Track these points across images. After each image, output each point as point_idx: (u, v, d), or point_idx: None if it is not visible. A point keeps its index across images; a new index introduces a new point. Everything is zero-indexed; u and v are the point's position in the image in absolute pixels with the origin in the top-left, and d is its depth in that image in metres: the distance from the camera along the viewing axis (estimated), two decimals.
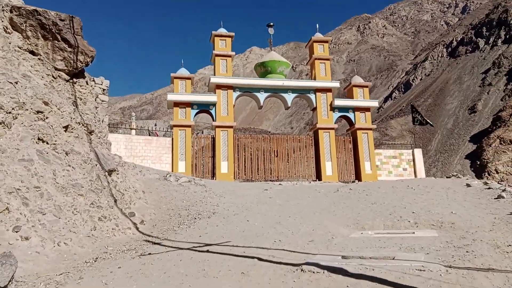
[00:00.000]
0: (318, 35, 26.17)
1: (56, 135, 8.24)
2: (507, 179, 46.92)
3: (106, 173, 9.18)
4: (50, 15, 8.95)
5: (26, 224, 6.49)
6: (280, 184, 17.22)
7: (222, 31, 24.52)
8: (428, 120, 27.19)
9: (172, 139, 22.04)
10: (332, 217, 9.12)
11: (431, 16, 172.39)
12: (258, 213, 9.84)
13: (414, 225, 7.90)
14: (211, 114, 23.40)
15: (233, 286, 4.78)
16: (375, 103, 26.34)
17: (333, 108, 24.60)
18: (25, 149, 7.45)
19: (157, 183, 12.43)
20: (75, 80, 9.94)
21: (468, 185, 12.04)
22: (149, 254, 6.48)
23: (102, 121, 11.15)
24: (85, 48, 9.65)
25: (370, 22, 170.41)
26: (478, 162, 53.25)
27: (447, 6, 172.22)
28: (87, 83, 10.42)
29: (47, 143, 7.97)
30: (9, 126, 7.40)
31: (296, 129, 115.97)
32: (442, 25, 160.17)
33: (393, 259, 5.25)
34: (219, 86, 23.33)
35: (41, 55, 9.14)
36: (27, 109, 7.86)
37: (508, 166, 50.80)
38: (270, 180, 22.18)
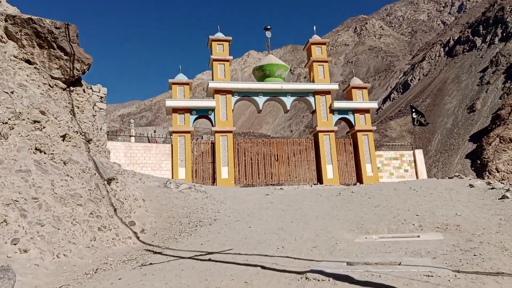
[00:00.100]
0: (316, 37, 26.12)
1: (53, 145, 8.14)
2: (508, 178, 46.81)
3: (105, 182, 9.07)
4: (45, 23, 8.87)
5: (24, 236, 6.38)
6: (281, 188, 17.10)
7: (220, 35, 24.46)
8: (424, 118, 27.11)
9: (172, 145, 21.93)
10: (335, 221, 9.00)
11: (428, 16, 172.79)
12: (260, 219, 9.72)
13: (419, 228, 7.78)
14: (210, 120, 23.30)
15: None
16: (374, 105, 26.23)
17: (332, 111, 24.51)
18: (22, 160, 7.35)
19: (157, 190, 12.32)
20: (72, 88, 9.85)
21: (471, 186, 11.92)
22: (150, 264, 6.36)
23: (100, 129, 11.05)
24: (81, 56, 9.56)
25: (366, 23, 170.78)
26: (479, 161, 53.11)
27: (443, 5, 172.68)
28: (84, 91, 10.33)
29: (45, 153, 7.87)
30: (5, 136, 7.30)
31: (296, 132, 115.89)
32: (438, 24, 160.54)
33: (400, 264, 5.13)
34: (218, 91, 23.25)
35: (37, 64, 9.05)
36: (23, 119, 7.76)
37: (508, 164, 50.65)
38: (271, 185, 22.04)
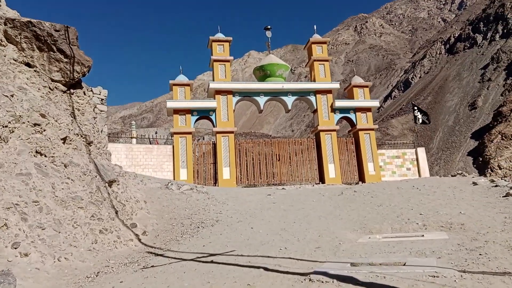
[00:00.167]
0: (316, 37, 26.04)
1: (54, 148, 8.10)
2: (510, 175, 46.62)
3: (106, 184, 9.02)
4: (45, 26, 8.83)
5: (25, 240, 6.34)
6: (283, 188, 17.04)
7: (220, 36, 24.41)
8: (427, 115, 27.00)
9: (173, 146, 21.89)
10: (338, 221, 8.93)
11: (428, 14, 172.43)
12: (262, 219, 9.67)
13: (423, 227, 7.71)
14: (211, 120, 23.25)
15: None
16: (376, 103, 26.14)
17: (334, 110, 24.43)
18: (23, 163, 7.31)
19: (158, 192, 12.27)
20: (72, 91, 9.81)
21: (474, 184, 11.84)
22: (152, 266, 6.31)
23: (101, 131, 11.01)
24: (81, 58, 9.52)
25: (367, 22, 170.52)
26: (481, 159, 52.93)
27: (444, 2, 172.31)
28: (84, 94, 10.29)
29: (45, 156, 7.83)
30: (5, 140, 7.26)
31: (297, 132, 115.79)
32: (439, 22, 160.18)
33: (404, 265, 5.07)
34: (219, 92, 23.20)
35: (37, 67, 9.01)
36: (23, 122, 7.73)
37: (510, 161, 50.45)
38: (273, 185, 21.98)
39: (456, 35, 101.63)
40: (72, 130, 8.83)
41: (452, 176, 16.51)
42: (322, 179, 23.16)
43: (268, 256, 6.22)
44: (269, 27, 27.62)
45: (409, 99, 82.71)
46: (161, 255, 7.10)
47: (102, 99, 13.89)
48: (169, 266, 6.19)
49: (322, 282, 4.63)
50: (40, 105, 8.25)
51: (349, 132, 26.10)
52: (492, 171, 49.33)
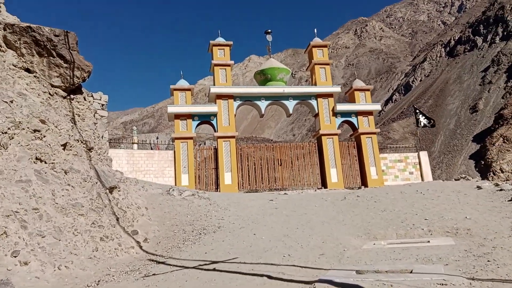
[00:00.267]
0: (317, 40, 26.00)
1: (54, 154, 8.02)
2: None
3: (107, 191, 8.93)
4: (45, 31, 8.78)
5: (25, 248, 6.24)
6: (285, 193, 16.92)
7: (220, 40, 24.38)
8: (431, 119, 26.88)
9: (174, 152, 21.79)
10: (342, 227, 8.82)
11: (428, 16, 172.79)
12: (264, 225, 9.55)
13: (428, 232, 7.59)
14: (212, 125, 23.17)
15: None
16: (377, 107, 26.01)
17: (335, 113, 24.33)
18: (23, 170, 7.23)
19: (160, 198, 12.17)
20: (72, 96, 9.75)
21: (479, 187, 11.72)
22: (154, 274, 6.20)
23: (102, 137, 10.94)
24: (81, 63, 9.47)
25: (367, 25, 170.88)
26: (483, 162, 52.74)
27: (443, 5, 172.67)
28: (85, 99, 10.22)
29: (45, 162, 7.75)
30: (5, 146, 7.18)
31: (298, 136, 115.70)
32: (439, 24, 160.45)
33: (411, 272, 4.95)
34: (220, 96, 23.13)
35: (36, 72, 8.96)
36: (23, 128, 7.65)
37: None
38: (275, 189, 21.84)
39: (456, 38, 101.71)
40: (72, 136, 8.76)
41: (455, 180, 16.39)
42: (324, 184, 23.03)
43: (272, 264, 6.11)
44: (269, 31, 27.59)
45: (410, 103, 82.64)
46: (162, 262, 7.00)
47: (102, 105, 13.84)
48: (170, 274, 6.08)
49: None
50: (40, 111, 8.18)
51: (350, 136, 25.98)
52: (494, 174, 49.12)
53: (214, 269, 6.14)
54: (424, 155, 24.69)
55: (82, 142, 9.10)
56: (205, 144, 42.40)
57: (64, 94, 9.47)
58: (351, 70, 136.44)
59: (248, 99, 23.96)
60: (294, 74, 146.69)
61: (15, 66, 8.61)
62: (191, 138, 22.08)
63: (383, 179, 23.30)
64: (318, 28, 27.57)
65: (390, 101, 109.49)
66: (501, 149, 51.99)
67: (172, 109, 22.50)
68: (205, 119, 23.01)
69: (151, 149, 25.56)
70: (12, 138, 7.39)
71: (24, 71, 8.78)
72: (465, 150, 58.95)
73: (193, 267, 6.37)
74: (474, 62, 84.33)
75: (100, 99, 13.76)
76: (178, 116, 22.33)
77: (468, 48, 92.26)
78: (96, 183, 8.62)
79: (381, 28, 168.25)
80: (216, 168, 22.20)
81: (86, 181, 8.29)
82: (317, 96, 24.41)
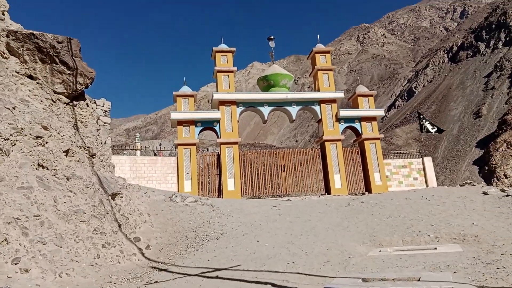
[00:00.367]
0: (320, 46, 25.99)
1: (56, 160, 7.97)
2: None
3: (110, 197, 8.86)
4: (47, 38, 8.78)
5: (25, 255, 6.18)
6: (288, 199, 16.80)
7: (223, 46, 24.42)
8: (436, 125, 26.71)
9: (177, 158, 21.74)
10: (346, 233, 8.70)
11: (430, 22, 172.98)
12: (268, 232, 9.45)
13: (435, 239, 7.46)
14: (215, 131, 23.12)
15: None
16: (381, 112, 25.89)
17: (338, 119, 24.24)
18: (25, 176, 7.18)
19: (162, 204, 12.09)
20: (75, 102, 9.72)
21: (485, 193, 11.58)
22: (156, 282, 6.11)
23: (105, 143, 10.90)
24: (84, 70, 9.45)
25: (369, 32, 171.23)
26: (486, 168, 52.42)
27: (445, 11, 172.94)
28: (87, 105, 10.20)
29: (47, 168, 7.70)
30: (7, 153, 7.14)
31: (301, 142, 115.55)
32: (441, 30, 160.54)
33: (419, 280, 4.83)
34: (222, 102, 23.12)
35: (39, 79, 8.94)
36: (25, 135, 7.62)
37: None
38: (278, 196, 21.72)
39: (459, 44, 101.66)
40: (75, 142, 8.71)
41: (460, 185, 16.23)
42: (327, 190, 22.88)
43: (275, 271, 6.01)
44: (272, 37, 27.61)
45: (413, 108, 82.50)
46: (165, 270, 6.90)
47: (105, 111, 13.82)
48: (173, 282, 5.99)
49: None
50: (42, 117, 8.15)
51: (354, 142, 25.86)
52: (498, 180, 48.79)
53: (217, 277, 6.05)
54: (428, 160, 24.50)
55: (84, 149, 9.06)
56: (208, 150, 42.37)
57: (67, 100, 9.44)
58: (354, 76, 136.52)
59: (251, 105, 23.93)
60: (297, 80, 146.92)
61: (18, 72, 8.60)
62: (194, 144, 22.03)
63: (387, 185, 23.13)
64: (321, 35, 27.72)
65: (393, 107, 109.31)
66: (505, 155, 51.67)
67: (175, 116, 22.48)
68: (208, 125, 22.97)
69: (154, 155, 25.53)
70: (14, 144, 7.35)
71: (27, 78, 8.77)
72: (469, 155, 58.63)
73: (196, 275, 6.27)
74: (477, 67, 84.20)
75: (103, 106, 13.74)
76: (181, 122, 22.31)
77: (471, 53, 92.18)
78: (99, 189, 8.56)
79: (383, 35, 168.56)
80: (219, 174, 22.12)
81: (88, 187, 8.23)
82: (320, 102, 24.34)
